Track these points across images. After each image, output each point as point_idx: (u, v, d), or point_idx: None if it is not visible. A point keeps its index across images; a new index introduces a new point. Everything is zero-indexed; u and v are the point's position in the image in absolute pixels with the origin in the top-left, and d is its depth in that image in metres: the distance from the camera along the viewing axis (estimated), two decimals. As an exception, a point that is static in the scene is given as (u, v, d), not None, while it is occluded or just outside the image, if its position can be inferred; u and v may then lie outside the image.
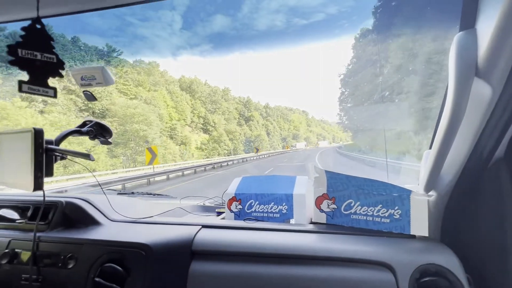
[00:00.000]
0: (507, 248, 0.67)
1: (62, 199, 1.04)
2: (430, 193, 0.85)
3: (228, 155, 43.14)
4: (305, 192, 1.01)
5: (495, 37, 0.53)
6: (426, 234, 0.82)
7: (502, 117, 0.61)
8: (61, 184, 10.66)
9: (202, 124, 48.87)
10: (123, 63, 37.07)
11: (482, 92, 0.60)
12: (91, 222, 1.01)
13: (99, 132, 1.04)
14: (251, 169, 18.45)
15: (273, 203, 1.03)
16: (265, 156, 36.42)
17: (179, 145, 38.01)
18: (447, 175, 0.78)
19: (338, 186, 0.94)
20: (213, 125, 49.70)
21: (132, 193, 1.61)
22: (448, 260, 0.73)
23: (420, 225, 0.83)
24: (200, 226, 0.96)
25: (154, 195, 1.66)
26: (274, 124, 73.43)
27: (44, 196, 0.92)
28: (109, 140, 1.07)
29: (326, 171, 0.95)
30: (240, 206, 1.07)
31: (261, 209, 1.04)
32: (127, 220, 1.05)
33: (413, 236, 0.84)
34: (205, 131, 48.69)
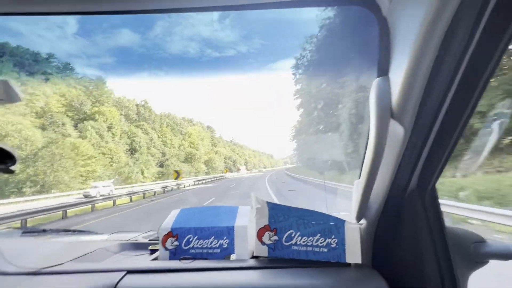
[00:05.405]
0: (424, 267, 0.77)
1: None
2: (361, 221, 0.90)
3: None
4: (247, 223, 0.98)
5: (404, 84, 0.59)
6: (360, 261, 0.88)
7: (412, 154, 0.70)
8: None
9: None
10: None
11: (397, 132, 0.68)
12: None
13: None
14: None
15: (213, 237, 0.97)
16: None
17: None
18: (374, 204, 0.85)
19: (279, 216, 0.93)
20: None
21: (44, 230, 1.36)
22: (379, 287, 0.79)
23: (354, 253, 0.88)
24: (125, 272, 0.85)
25: (74, 231, 1.41)
26: (153, 135, 41.85)
27: None
28: (11, 168, 0.81)
29: (268, 202, 0.94)
30: (176, 243, 0.97)
31: (200, 244, 0.97)
32: (25, 271, 0.86)
33: (348, 264, 0.89)
34: None
